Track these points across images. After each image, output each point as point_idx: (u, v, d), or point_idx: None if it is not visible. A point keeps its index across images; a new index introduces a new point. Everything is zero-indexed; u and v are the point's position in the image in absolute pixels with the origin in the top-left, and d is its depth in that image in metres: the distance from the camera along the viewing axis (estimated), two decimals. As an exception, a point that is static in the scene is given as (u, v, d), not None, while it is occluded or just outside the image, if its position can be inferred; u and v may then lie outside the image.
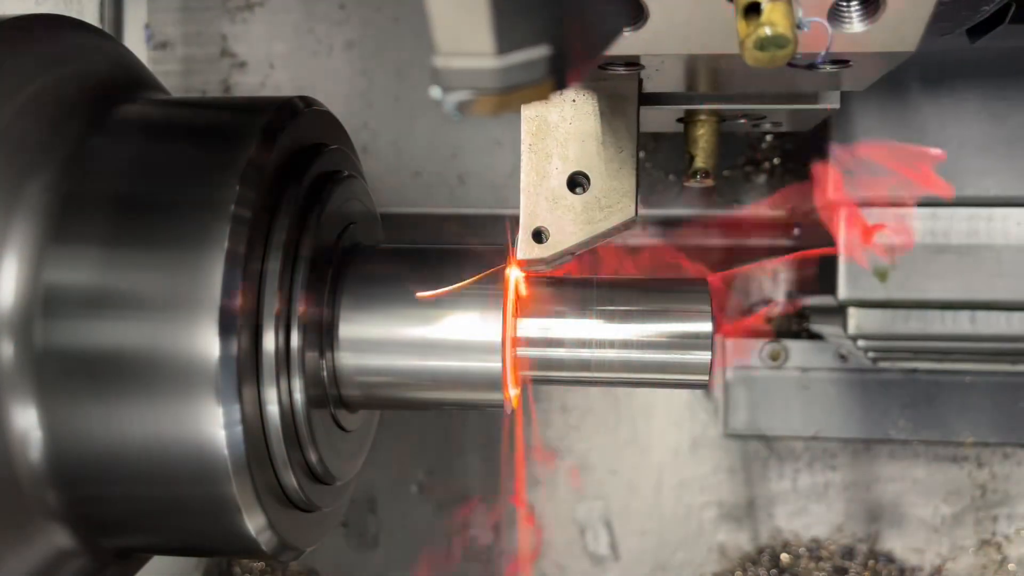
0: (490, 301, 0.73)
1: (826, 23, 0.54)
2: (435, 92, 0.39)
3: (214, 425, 0.62)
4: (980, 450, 1.43)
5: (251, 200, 0.65)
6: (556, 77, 0.40)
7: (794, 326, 1.46)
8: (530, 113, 0.75)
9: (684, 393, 1.46)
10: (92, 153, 0.67)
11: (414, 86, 1.37)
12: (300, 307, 0.69)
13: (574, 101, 0.75)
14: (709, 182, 0.83)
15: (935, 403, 1.38)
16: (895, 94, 1.04)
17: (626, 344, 0.74)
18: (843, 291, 1.09)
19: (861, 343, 1.13)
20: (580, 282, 0.76)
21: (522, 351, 0.75)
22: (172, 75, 1.40)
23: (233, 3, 1.41)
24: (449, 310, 0.74)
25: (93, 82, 0.71)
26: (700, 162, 0.82)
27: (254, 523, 0.66)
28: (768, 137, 1.37)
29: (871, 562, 1.45)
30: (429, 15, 0.37)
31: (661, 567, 1.49)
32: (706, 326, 0.74)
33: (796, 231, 1.41)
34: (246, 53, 1.41)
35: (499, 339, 0.72)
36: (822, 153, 1.07)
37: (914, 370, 1.37)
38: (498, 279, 0.74)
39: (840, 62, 0.59)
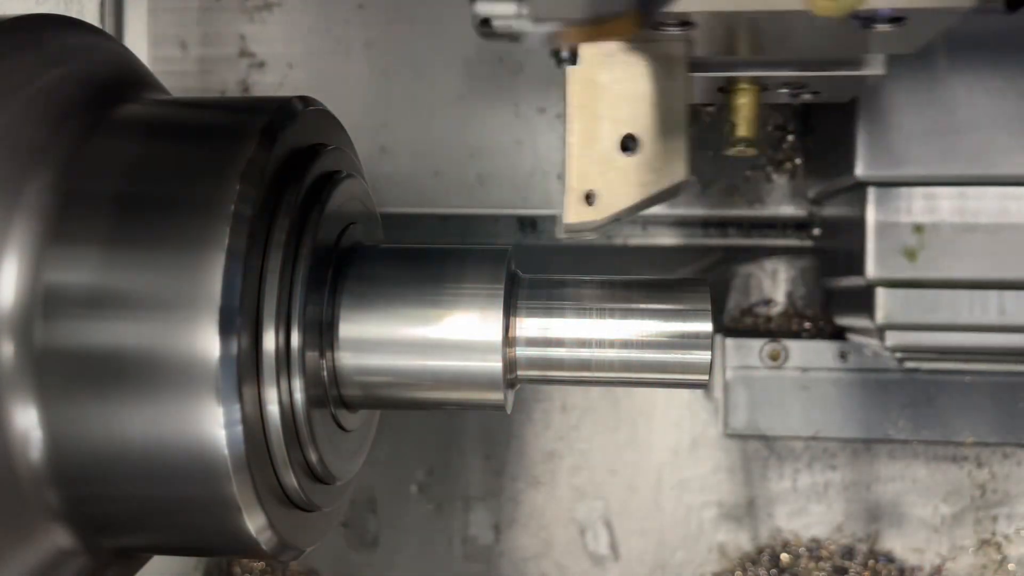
0: (490, 301, 0.73)
1: None
2: (525, 25, 0.42)
3: (214, 425, 0.62)
4: (980, 450, 1.43)
5: (251, 200, 0.65)
6: (642, 10, 0.41)
7: (794, 326, 1.46)
8: (579, 75, 0.73)
9: (684, 393, 1.46)
10: (92, 153, 0.67)
11: (433, 86, 1.37)
12: (300, 307, 0.68)
13: (624, 63, 0.73)
14: (751, 152, 0.81)
15: (935, 403, 1.38)
16: (925, 72, 1.01)
17: (626, 344, 0.73)
18: (872, 270, 1.07)
19: (889, 340, 1.11)
20: (580, 282, 0.76)
21: (522, 350, 0.75)
22: (190, 75, 1.40)
23: (251, 3, 1.41)
24: (449, 310, 0.74)
25: (93, 82, 0.71)
26: (743, 131, 0.81)
27: (254, 523, 0.66)
28: (790, 137, 1.37)
29: (871, 562, 1.45)
30: None
31: (661, 567, 1.49)
32: (706, 326, 0.73)
33: (816, 231, 1.40)
34: (265, 53, 1.41)
35: (499, 339, 0.72)
36: (851, 132, 1.05)
37: (914, 370, 1.36)
38: (496, 279, 0.74)
39: (896, 19, 0.59)
